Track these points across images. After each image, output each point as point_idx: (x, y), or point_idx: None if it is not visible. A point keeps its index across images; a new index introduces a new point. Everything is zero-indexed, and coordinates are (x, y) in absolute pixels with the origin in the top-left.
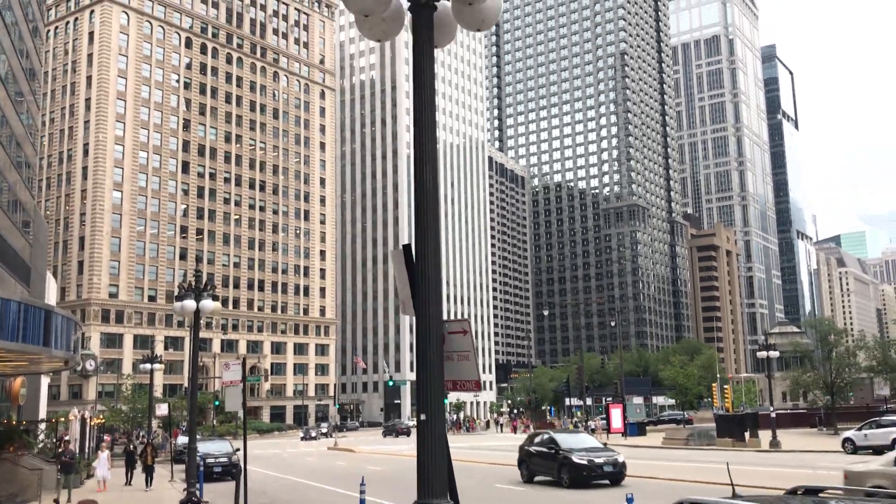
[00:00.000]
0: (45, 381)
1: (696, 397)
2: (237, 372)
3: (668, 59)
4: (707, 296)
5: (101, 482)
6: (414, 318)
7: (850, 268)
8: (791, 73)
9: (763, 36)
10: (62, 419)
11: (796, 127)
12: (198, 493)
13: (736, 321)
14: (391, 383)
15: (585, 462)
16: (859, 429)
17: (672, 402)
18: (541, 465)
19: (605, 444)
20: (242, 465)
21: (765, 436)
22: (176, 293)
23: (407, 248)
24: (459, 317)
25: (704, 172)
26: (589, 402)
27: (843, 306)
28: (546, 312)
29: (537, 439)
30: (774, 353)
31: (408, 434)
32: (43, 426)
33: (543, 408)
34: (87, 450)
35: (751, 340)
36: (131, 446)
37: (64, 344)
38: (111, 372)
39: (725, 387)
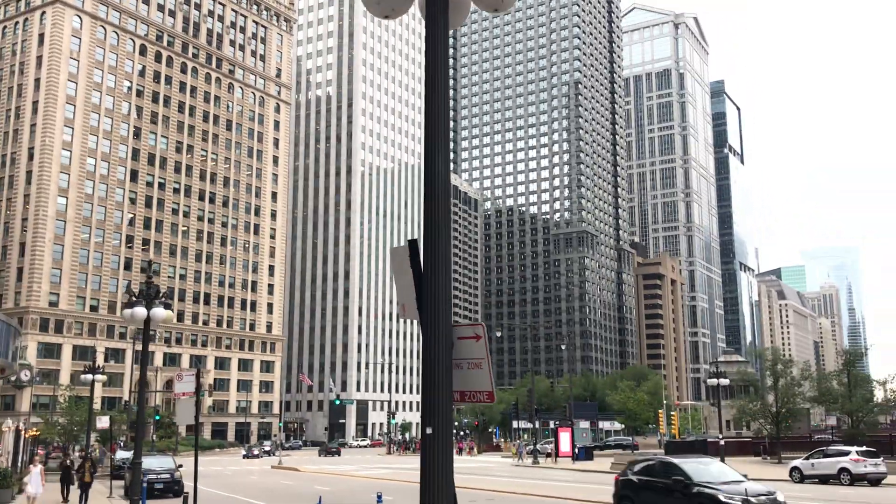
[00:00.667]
0: None
1: (645, 423)
2: (190, 383)
3: (620, 89)
4: (651, 323)
5: (32, 499)
6: (409, 322)
7: (790, 300)
8: (738, 108)
9: (712, 71)
10: None
11: (742, 161)
12: None
13: (679, 349)
14: (337, 402)
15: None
16: (807, 458)
17: (618, 427)
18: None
19: (745, 476)
20: (193, 483)
21: None
22: (125, 300)
23: (413, 243)
24: (409, 337)
25: (652, 202)
26: (536, 425)
27: (783, 338)
28: (499, 334)
29: (641, 466)
30: (725, 381)
31: (338, 454)
32: None
33: (490, 430)
34: (20, 463)
35: (692, 368)
36: (67, 461)
37: (2, 351)
38: (47, 383)
39: (672, 413)
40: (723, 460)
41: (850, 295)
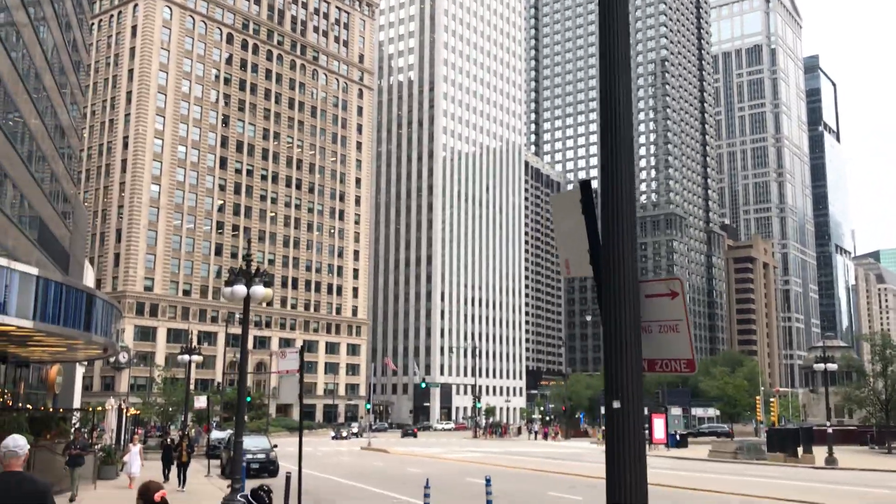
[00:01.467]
0: (79, 371)
1: (745, 409)
2: (294, 360)
3: (708, 66)
4: (743, 308)
5: (133, 478)
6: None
7: (890, 284)
8: (834, 84)
9: (806, 46)
10: (98, 409)
11: (838, 139)
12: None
13: (771, 335)
14: (423, 385)
15: None
16: None
17: (711, 413)
18: None
19: None
20: (298, 464)
21: (819, 452)
22: (216, 284)
23: (586, 185)
24: (492, 322)
25: (743, 183)
26: None
27: (882, 323)
28: (588, 318)
29: None
30: (832, 366)
31: (414, 436)
32: (78, 415)
33: (576, 416)
34: (122, 441)
35: (786, 354)
36: (168, 440)
37: (104, 330)
38: (144, 365)
39: (771, 400)
40: (830, 449)
41: None
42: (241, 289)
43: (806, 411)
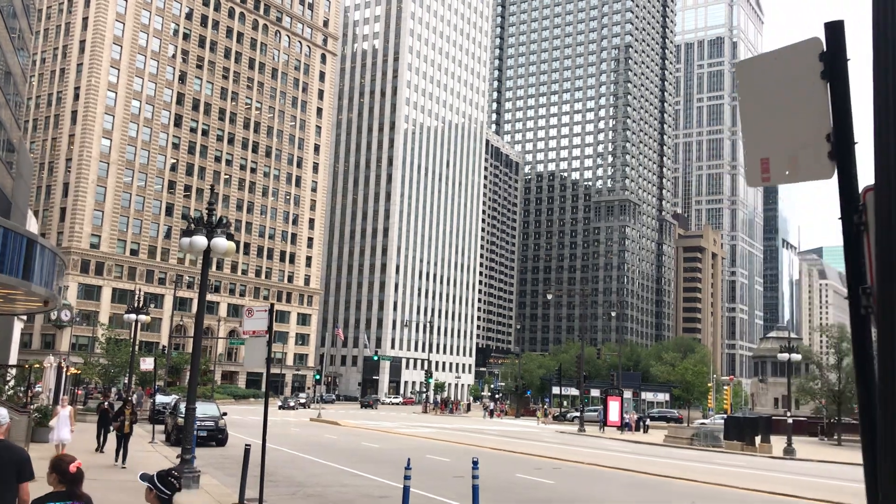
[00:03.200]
0: (17, 326)
1: (700, 396)
2: (262, 320)
3: (671, 56)
4: (689, 296)
5: (60, 447)
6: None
7: (831, 280)
8: None
9: (766, 42)
10: (35, 366)
11: None
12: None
13: (716, 324)
14: (375, 358)
15: None
16: None
17: (661, 398)
18: None
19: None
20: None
21: (776, 442)
22: (164, 244)
23: (835, 28)
24: (446, 298)
25: (697, 174)
26: (575, 391)
27: (822, 317)
28: (549, 297)
29: None
30: (796, 357)
31: (373, 408)
32: (13, 372)
33: (526, 395)
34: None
35: (728, 344)
36: (106, 403)
37: (46, 281)
38: (87, 324)
39: (725, 388)
40: (789, 439)
41: None
42: (200, 240)
43: (754, 400)
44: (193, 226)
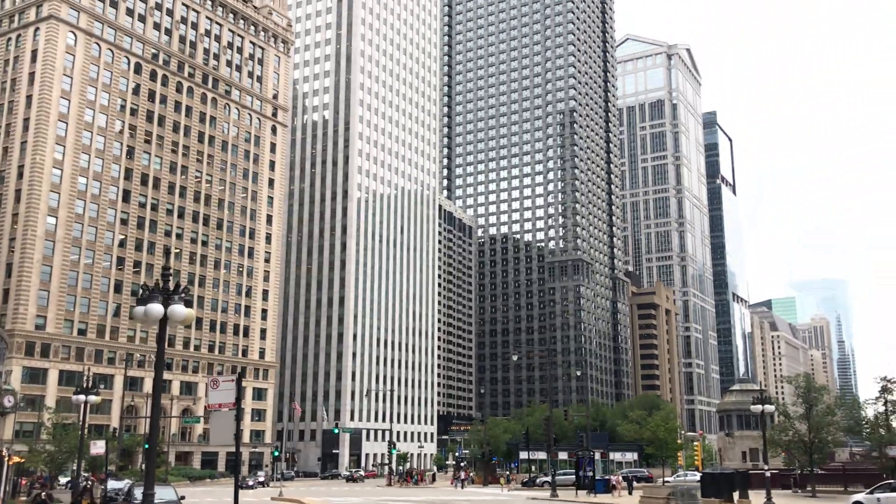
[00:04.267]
0: None
1: (673, 453)
2: (229, 392)
3: (614, 119)
4: (646, 353)
5: None
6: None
7: (782, 332)
8: (730, 139)
9: (704, 102)
10: None
11: (734, 192)
12: None
13: (674, 380)
14: (336, 431)
15: None
16: (871, 492)
17: (630, 458)
18: None
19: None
20: None
21: (755, 497)
22: (114, 323)
23: None
24: (405, 365)
25: (646, 231)
26: (542, 455)
27: (776, 369)
28: (515, 358)
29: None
30: (770, 408)
31: (355, 480)
32: None
33: (492, 461)
34: (2, 493)
35: (687, 399)
36: (43, 493)
37: None
38: (32, 409)
39: (695, 444)
40: (769, 493)
41: (839, 327)
42: (156, 307)
43: (721, 455)
44: (148, 292)
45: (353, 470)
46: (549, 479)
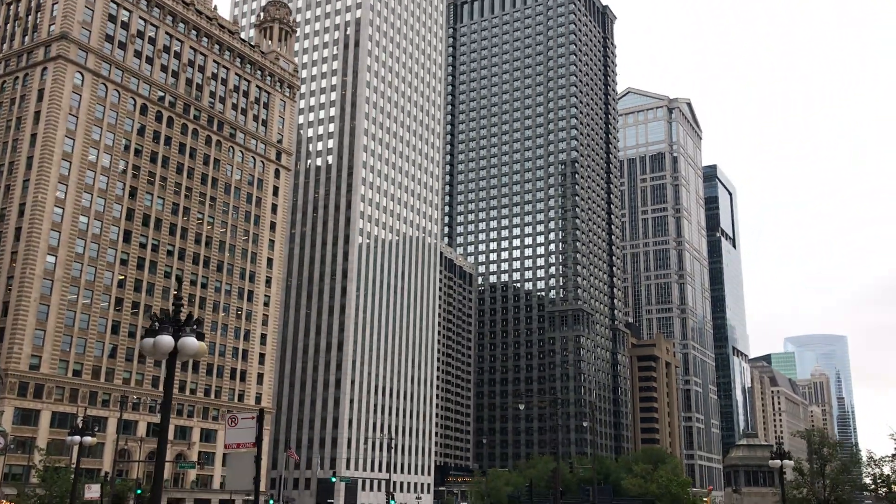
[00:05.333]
0: None
1: None
2: (248, 430)
3: (615, 170)
4: (646, 406)
5: None
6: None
7: (782, 387)
8: (730, 192)
9: (705, 155)
10: None
11: (734, 245)
12: None
13: (674, 434)
14: (334, 479)
15: None
16: None
17: None
18: None
19: None
20: None
21: None
22: (110, 364)
23: None
24: (403, 414)
25: (646, 283)
26: None
27: (776, 425)
28: (522, 407)
29: None
30: (790, 463)
31: None
32: None
33: None
34: None
35: (687, 454)
36: None
37: None
38: (22, 452)
39: (705, 500)
40: None
41: (839, 383)
42: (166, 340)
43: None
44: (158, 323)
45: None
46: None
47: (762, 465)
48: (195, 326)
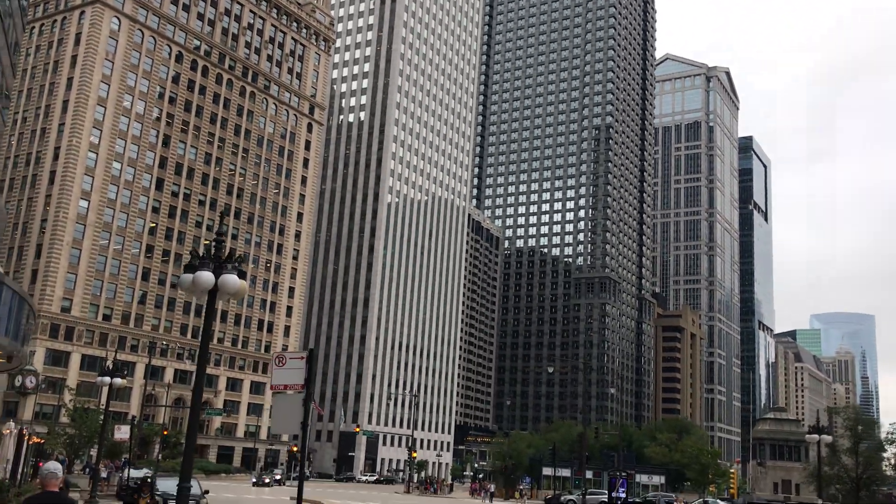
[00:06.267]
0: None
1: (716, 478)
2: (297, 371)
3: (650, 138)
4: (668, 376)
5: None
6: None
7: (807, 363)
8: (765, 165)
9: (742, 126)
10: None
11: (766, 219)
12: None
13: (695, 405)
14: (366, 433)
15: None
16: None
17: (657, 481)
18: None
19: None
20: None
21: None
22: (139, 310)
23: None
24: (426, 372)
25: (675, 254)
26: (567, 473)
27: (797, 401)
28: (550, 370)
29: None
30: (827, 438)
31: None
32: None
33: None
34: (19, 475)
35: (707, 426)
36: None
37: (12, 329)
38: (52, 392)
39: (731, 471)
40: None
41: (864, 363)
42: (206, 276)
43: (755, 484)
44: (198, 260)
45: (370, 474)
46: (573, 497)
47: (789, 440)
48: (237, 263)
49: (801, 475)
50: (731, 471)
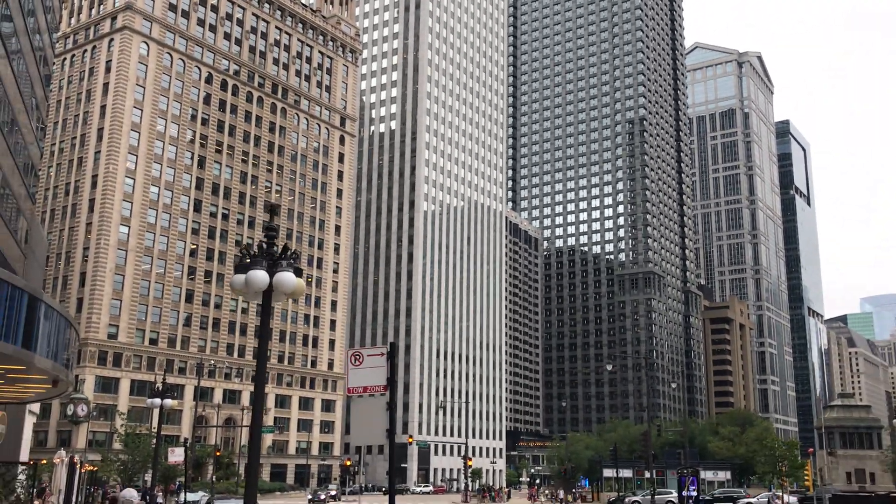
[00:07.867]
0: (29, 421)
1: (795, 471)
2: (377, 371)
3: (685, 128)
4: (720, 369)
5: None
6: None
7: (860, 348)
8: (804, 148)
9: (777, 111)
10: (42, 462)
11: (808, 203)
12: None
13: (748, 397)
14: (423, 444)
15: None
16: None
17: (723, 477)
18: None
19: None
20: None
21: None
22: (185, 333)
23: None
24: (473, 379)
25: (717, 244)
26: (628, 473)
27: (854, 387)
28: (610, 367)
29: None
30: None
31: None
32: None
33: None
34: (73, 503)
35: (762, 418)
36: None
37: (53, 351)
38: (104, 419)
39: (806, 462)
40: None
41: None
42: (260, 276)
43: (827, 475)
44: (249, 257)
45: (424, 485)
46: (638, 498)
47: (859, 427)
48: (292, 260)
49: (876, 463)
50: (806, 462)
